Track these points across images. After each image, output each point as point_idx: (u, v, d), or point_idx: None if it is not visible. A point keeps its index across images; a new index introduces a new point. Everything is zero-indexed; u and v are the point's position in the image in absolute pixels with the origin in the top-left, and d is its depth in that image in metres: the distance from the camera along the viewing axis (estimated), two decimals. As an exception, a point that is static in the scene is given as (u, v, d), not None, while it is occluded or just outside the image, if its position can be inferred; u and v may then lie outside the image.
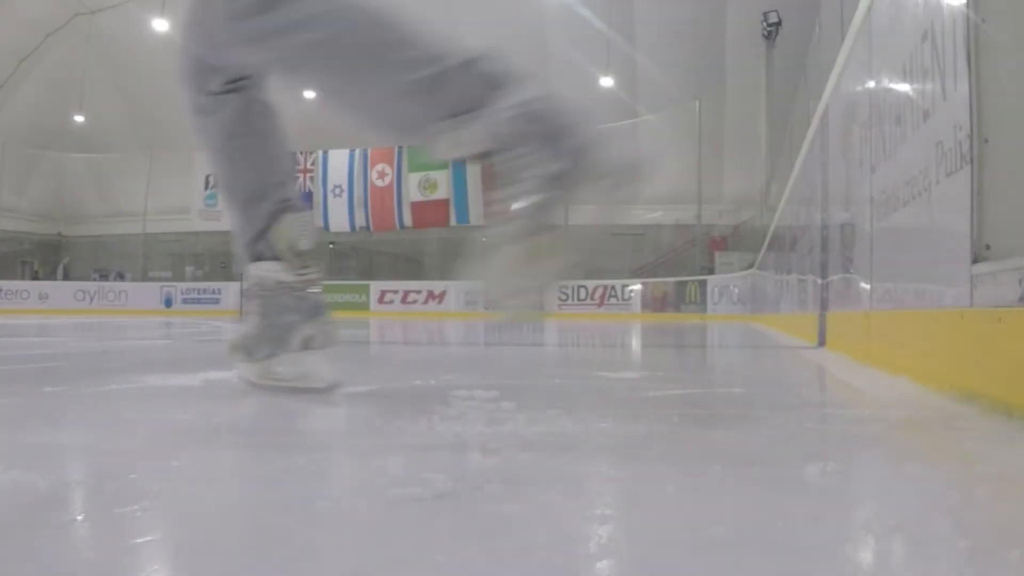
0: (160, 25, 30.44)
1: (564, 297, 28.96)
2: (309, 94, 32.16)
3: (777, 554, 1.31)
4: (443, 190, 32.31)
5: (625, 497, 1.77)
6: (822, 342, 8.12)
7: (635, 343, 10.49)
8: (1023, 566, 1.22)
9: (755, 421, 2.90)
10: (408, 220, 33.36)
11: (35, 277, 37.47)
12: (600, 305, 28.27)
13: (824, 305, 8.25)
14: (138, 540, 1.42)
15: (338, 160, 33.56)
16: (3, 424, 2.73)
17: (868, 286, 5.71)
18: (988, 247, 3.15)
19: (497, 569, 1.23)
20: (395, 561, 1.27)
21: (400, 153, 33.07)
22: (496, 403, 3.06)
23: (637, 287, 28.66)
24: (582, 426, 2.55)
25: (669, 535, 1.44)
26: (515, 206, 2.41)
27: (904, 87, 4.46)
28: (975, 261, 3.18)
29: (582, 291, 28.94)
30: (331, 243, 36.37)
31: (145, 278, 36.26)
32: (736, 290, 25.01)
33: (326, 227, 34.02)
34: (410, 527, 1.47)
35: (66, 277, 37.76)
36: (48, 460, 2.16)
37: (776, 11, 24.21)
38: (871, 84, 5.57)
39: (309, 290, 3.31)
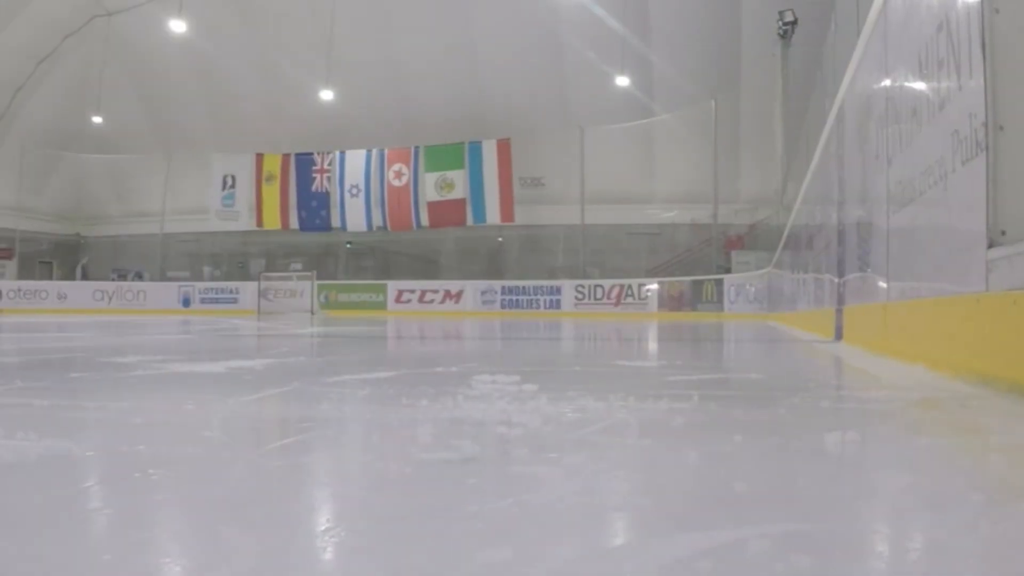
0: (177, 26, 30.51)
1: (581, 296, 28.94)
2: (326, 95, 32.30)
3: (798, 506, 1.36)
4: (460, 190, 32.30)
5: (650, 461, 1.82)
6: (839, 336, 8.13)
7: (652, 338, 10.51)
8: (1035, 516, 1.26)
9: (773, 401, 2.95)
10: (425, 220, 33.32)
11: None
12: (617, 304, 28.19)
13: (841, 300, 8.26)
14: (177, 496, 1.47)
15: (355, 160, 33.54)
16: (33, 403, 2.79)
17: (885, 278, 5.73)
18: (1004, 232, 3.18)
19: (527, 516, 1.28)
20: (429, 509, 1.32)
21: (417, 153, 33.08)
22: (518, 386, 3.11)
23: (654, 286, 28.55)
24: (604, 404, 2.59)
25: (694, 491, 1.49)
26: None
27: (920, 78, 4.49)
28: (990, 246, 3.21)
29: (599, 290, 28.88)
30: (348, 243, 36.41)
31: (163, 278, 36.28)
32: (753, 289, 24.91)
33: (343, 227, 33.98)
34: (442, 484, 1.52)
35: (84, 277, 37.87)
36: (81, 431, 2.22)
37: (792, 10, 24.08)
38: (887, 77, 5.60)
39: None
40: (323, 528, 1.26)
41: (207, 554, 1.13)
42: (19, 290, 34.20)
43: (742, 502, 1.37)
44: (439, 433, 2.03)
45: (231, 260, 38.10)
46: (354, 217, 34.30)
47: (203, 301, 33.32)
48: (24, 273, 37.13)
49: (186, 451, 1.86)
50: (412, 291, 31.40)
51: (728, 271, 28.69)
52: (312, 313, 29.03)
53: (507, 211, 32.63)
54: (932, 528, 1.23)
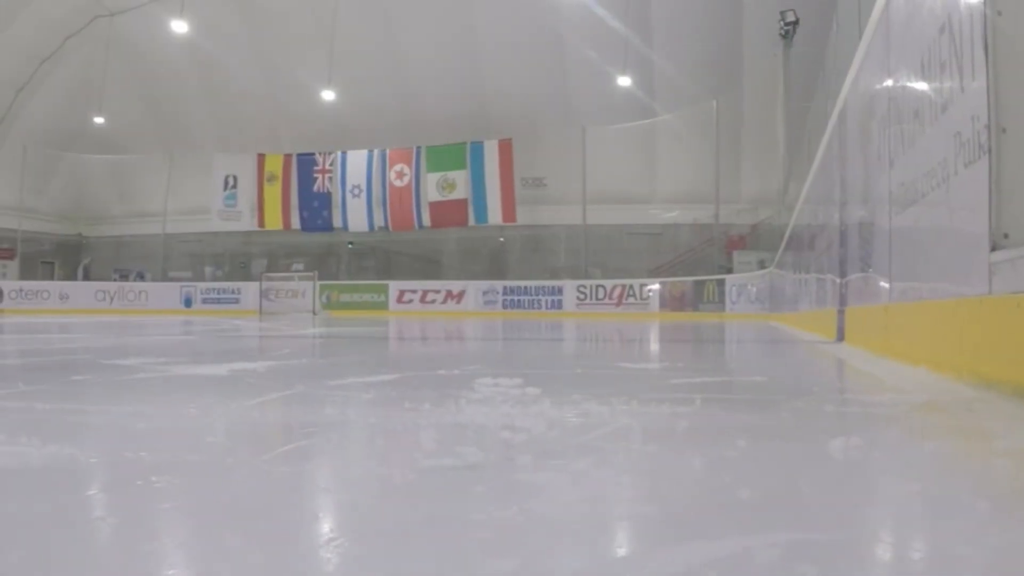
0: (179, 27, 30.53)
1: (582, 296, 28.94)
2: (328, 96, 32.30)
3: (805, 513, 1.35)
4: (461, 190, 32.30)
5: (655, 467, 1.81)
6: (841, 337, 8.12)
7: (654, 339, 10.50)
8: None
9: (776, 404, 2.94)
10: (427, 220, 33.32)
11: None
12: (618, 305, 28.17)
13: (842, 301, 8.25)
14: (182, 503, 1.47)
15: (357, 160, 33.55)
16: (36, 407, 2.78)
17: (887, 279, 5.72)
18: (1006, 235, 3.18)
19: (532, 524, 1.28)
20: (433, 517, 1.31)
21: (418, 153, 33.09)
22: (521, 389, 3.11)
23: (655, 286, 28.52)
24: (608, 408, 2.59)
25: (698, 497, 1.48)
26: None
27: (922, 79, 4.48)
28: (993, 249, 3.20)
29: (600, 291, 28.87)
30: (350, 243, 36.42)
31: (165, 278, 36.30)
32: (754, 289, 24.88)
33: (345, 227, 33.97)
34: (446, 491, 1.52)
35: (86, 277, 37.87)
36: (84, 436, 2.21)
37: (793, 10, 24.06)
38: (889, 78, 5.59)
39: None
40: (327, 537, 1.25)
41: (210, 562, 1.12)
42: (21, 290, 34.22)
43: (748, 509, 1.36)
44: (442, 439, 2.03)
45: (233, 260, 38.11)
46: (356, 217, 34.29)
47: (205, 301, 33.33)
48: (26, 273, 37.15)
49: (189, 457, 1.86)
50: (414, 291, 31.38)
51: (730, 271, 28.65)
52: (314, 313, 29.04)
53: (509, 211, 32.62)
54: (940, 535, 1.23)
